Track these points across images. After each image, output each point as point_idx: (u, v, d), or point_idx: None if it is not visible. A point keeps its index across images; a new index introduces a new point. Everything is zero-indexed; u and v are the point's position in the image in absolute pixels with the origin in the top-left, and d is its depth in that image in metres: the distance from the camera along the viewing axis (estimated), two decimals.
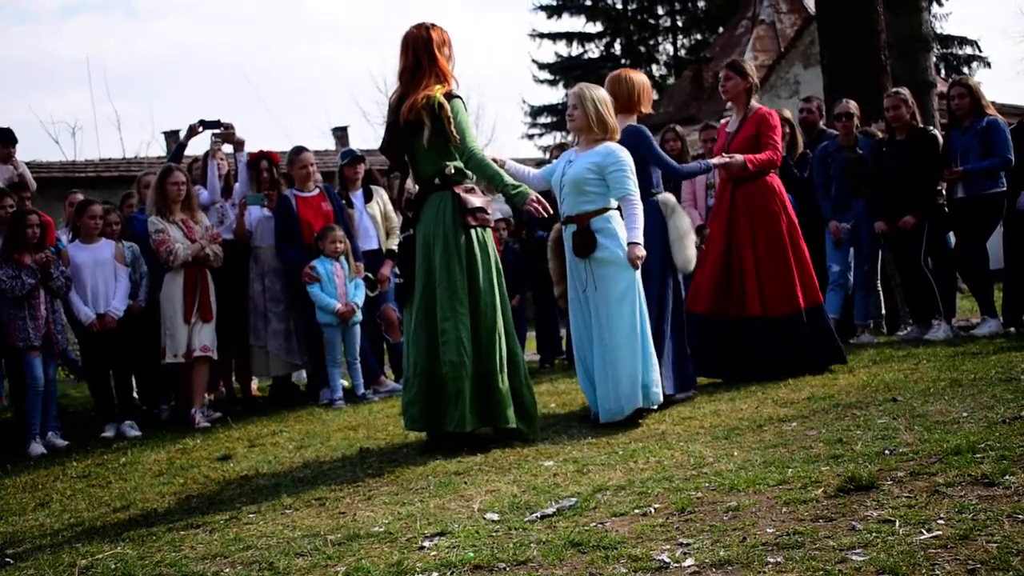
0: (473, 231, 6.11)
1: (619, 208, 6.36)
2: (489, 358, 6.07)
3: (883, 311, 9.73)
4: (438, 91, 6.02)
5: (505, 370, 6.14)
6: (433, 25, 6.21)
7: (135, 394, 9.17)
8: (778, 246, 7.44)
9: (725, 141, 7.68)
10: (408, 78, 6.17)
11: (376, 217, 9.46)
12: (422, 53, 6.13)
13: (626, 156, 6.32)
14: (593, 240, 6.27)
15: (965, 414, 5.20)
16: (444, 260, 6.02)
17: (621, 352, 6.24)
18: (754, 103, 7.67)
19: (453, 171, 6.11)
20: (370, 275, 9.09)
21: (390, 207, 9.58)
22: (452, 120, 6.00)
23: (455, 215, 6.07)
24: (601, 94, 6.46)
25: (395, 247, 8.94)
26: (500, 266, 6.27)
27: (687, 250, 6.91)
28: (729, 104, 8.24)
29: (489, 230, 6.27)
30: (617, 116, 6.88)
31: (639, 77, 7.04)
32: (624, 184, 6.27)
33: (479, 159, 6.10)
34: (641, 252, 6.22)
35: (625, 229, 6.28)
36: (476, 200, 6.16)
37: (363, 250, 9.18)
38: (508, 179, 6.11)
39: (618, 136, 6.48)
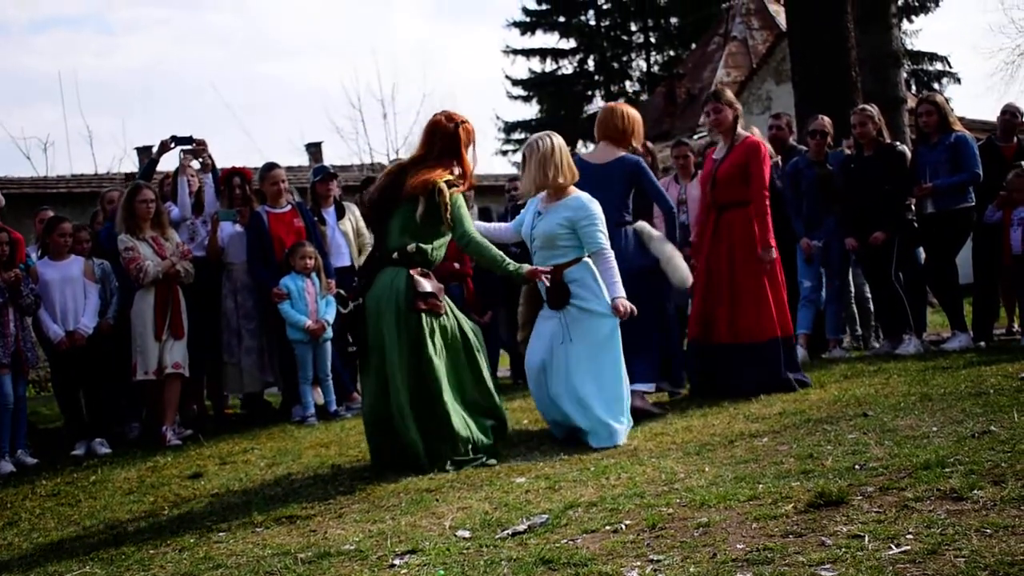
0: (423, 315, 6.00)
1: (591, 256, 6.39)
2: (439, 434, 5.93)
3: (858, 327, 9.77)
4: (440, 177, 5.99)
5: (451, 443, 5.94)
6: (465, 121, 6.18)
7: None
8: (755, 274, 7.45)
9: (713, 168, 7.71)
10: (420, 160, 6.14)
11: (348, 234, 9.44)
12: (446, 148, 6.12)
13: (596, 208, 6.36)
14: (567, 292, 6.31)
15: (935, 429, 5.23)
16: (395, 334, 5.94)
17: (606, 394, 6.23)
18: (741, 131, 7.69)
19: (414, 249, 6.05)
20: (342, 292, 9.03)
21: (363, 224, 9.54)
22: (449, 208, 5.97)
23: (407, 294, 5.97)
24: (557, 142, 6.41)
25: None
26: (459, 333, 6.16)
27: (679, 270, 7.08)
28: (702, 121, 8.29)
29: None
30: (602, 141, 7.24)
31: (634, 114, 7.33)
32: (596, 239, 6.31)
33: (477, 243, 6.13)
34: (627, 303, 6.23)
35: (603, 283, 6.28)
36: (428, 285, 6.04)
37: (335, 267, 9.15)
38: (507, 260, 6.17)
39: (577, 178, 6.49)
